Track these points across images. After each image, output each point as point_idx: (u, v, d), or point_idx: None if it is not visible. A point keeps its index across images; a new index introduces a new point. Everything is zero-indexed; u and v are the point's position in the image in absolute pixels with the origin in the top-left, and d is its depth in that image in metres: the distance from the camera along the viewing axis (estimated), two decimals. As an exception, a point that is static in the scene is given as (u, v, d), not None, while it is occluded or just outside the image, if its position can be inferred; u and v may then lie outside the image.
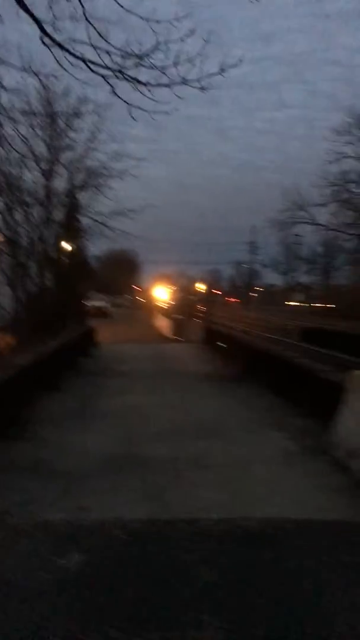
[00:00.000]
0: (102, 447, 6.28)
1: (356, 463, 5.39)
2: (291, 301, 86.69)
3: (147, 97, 7.08)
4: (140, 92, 7.15)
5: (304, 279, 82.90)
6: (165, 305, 40.70)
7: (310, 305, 71.25)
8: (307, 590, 3.39)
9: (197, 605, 3.18)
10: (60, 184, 20.99)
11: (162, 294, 49.99)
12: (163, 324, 33.54)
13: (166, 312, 37.18)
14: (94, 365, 13.82)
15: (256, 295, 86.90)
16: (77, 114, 18.57)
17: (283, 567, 3.67)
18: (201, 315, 34.87)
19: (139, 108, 7.40)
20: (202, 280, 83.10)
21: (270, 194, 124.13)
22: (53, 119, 18.58)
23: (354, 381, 6.17)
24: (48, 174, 20.08)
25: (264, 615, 3.10)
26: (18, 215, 19.22)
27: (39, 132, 19.19)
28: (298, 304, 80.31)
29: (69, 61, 6.77)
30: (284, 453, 6.19)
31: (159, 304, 48.02)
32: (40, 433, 6.79)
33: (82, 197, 22.19)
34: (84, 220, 22.57)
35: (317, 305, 72.89)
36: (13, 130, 9.30)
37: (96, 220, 21.92)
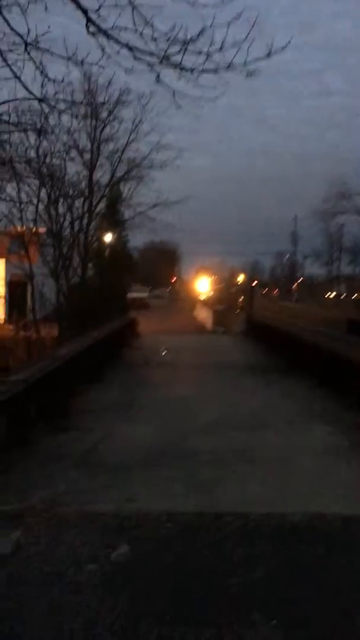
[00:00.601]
0: (147, 439, 6.25)
1: None
2: (330, 293, 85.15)
3: (193, 83, 6.93)
4: (186, 79, 7.01)
5: (347, 270, 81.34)
6: (206, 297, 40.58)
7: (350, 298, 69.77)
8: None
9: (248, 602, 3.10)
10: (102, 175, 21.10)
11: (203, 285, 49.87)
12: (204, 315, 33.45)
13: (207, 304, 37.05)
14: (136, 357, 13.85)
15: (297, 286, 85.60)
16: (119, 105, 18.53)
17: (335, 564, 3.56)
18: (242, 306, 34.58)
19: (185, 94, 7.27)
20: (243, 272, 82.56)
21: (313, 184, 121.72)
22: (96, 111, 18.62)
23: None
24: (90, 166, 20.18)
25: (316, 614, 3.00)
26: (61, 207, 19.40)
27: (82, 124, 19.28)
28: (335, 296, 78.86)
29: (114, 49, 6.69)
30: (332, 448, 6.02)
31: (199, 296, 47.91)
32: (85, 424, 6.82)
33: (124, 188, 22.27)
34: (126, 212, 22.67)
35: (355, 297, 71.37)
36: (57, 121, 9.29)
37: (138, 212, 21.98)
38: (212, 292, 44.42)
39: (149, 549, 3.72)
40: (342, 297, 75.89)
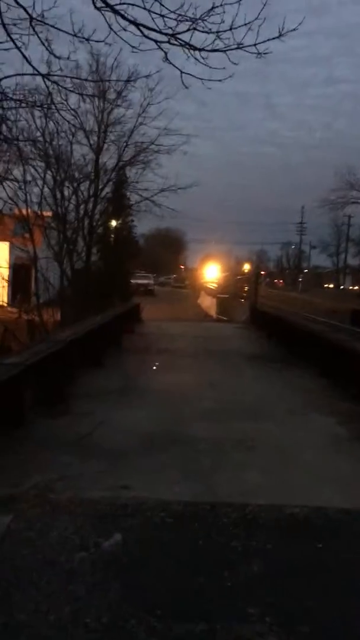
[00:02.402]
0: (146, 425, 6.16)
1: None
2: (329, 285, 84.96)
3: (202, 63, 6.74)
4: (195, 59, 6.82)
5: (354, 262, 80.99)
6: (211, 285, 40.39)
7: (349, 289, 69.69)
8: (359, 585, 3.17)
9: (243, 596, 3.01)
10: (109, 159, 20.89)
11: (208, 273, 49.59)
12: (208, 303, 33.31)
13: (212, 292, 36.90)
14: (138, 342, 13.75)
15: (303, 277, 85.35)
16: (127, 87, 18.25)
17: (334, 559, 3.46)
18: (247, 295, 34.43)
19: (192, 75, 7.08)
20: (249, 261, 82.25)
21: (320, 173, 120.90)
22: (103, 92, 18.36)
23: None
24: (97, 149, 19.96)
25: (312, 611, 2.90)
26: (66, 191, 19.22)
27: (89, 106, 19.06)
28: (334, 286, 78.67)
29: (120, 26, 6.50)
30: (333, 438, 5.92)
31: (204, 283, 47.72)
32: (84, 409, 6.72)
33: (131, 173, 22.06)
34: (132, 197, 22.47)
35: (354, 288, 71.37)
36: (63, 101, 9.09)
37: (144, 197, 21.78)
38: (217, 280, 44.14)
39: (142, 538, 3.63)
40: (341, 287, 75.69)
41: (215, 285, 39.35)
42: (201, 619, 2.78)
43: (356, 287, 75.74)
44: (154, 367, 5.35)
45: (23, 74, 6.94)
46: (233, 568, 3.28)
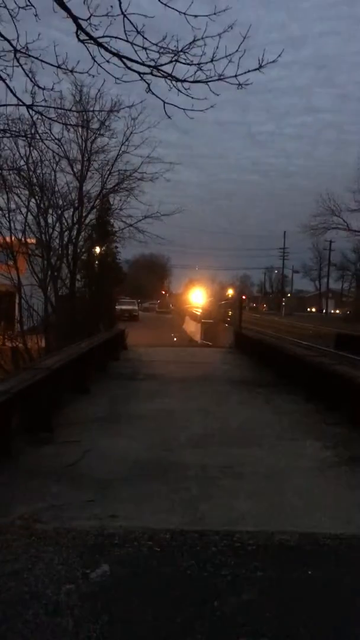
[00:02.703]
0: (133, 453, 6.10)
1: None
2: (311, 308, 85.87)
3: (184, 93, 6.90)
4: (177, 89, 6.97)
5: (335, 286, 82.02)
6: (196, 310, 40.46)
7: (327, 313, 70.46)
8: (356, 613, 3.14)
9: (233, 626, 2.97)
10: (92, 187, 21.05)
11: (192, 298, 49.66)
12: (192, 329, 33.36)
13: (196, 317, 36.99)
14: (123, 369, 13.69)
15: (286, 301, 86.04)
16: (110, 117, 18.51)
17: (325, 586, 3.43)
18: (231, 320, 34.57)
19: (175, 106, 7.22)
20: (232, 286, 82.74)
21: (301, 200, 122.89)
22: (86, 122, 18.59)
23: None
24: (81, 177, 20.12)
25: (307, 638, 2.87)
26: (50, 218, 19.29)
27: (73, 135, 19.27)
28: (316, 310, 79.51)
29: (104, 58, 6.64)
30: (322, 463, 5.91)
31: (189, 309, 47.81)
32: (71, 437, 6.65)
33: (114, 200, 22.21)
34: (116, 224, 22.59)
35: (336, 312, 72.31)
36: (47, 131, 9.20)
37: (128, 224, 21.91)
38: (202, 306, 44.23)
39: (130, 569, 3.57)
40: (324, 312, 76.47)
41: (201, 310, 39.43)
42: (192, 650, 2.74)
43: (338, 311, 76.64)
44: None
45: (7, 105, 7.02)
46: (223, 597, 3.24)
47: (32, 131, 8.10)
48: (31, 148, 16.64)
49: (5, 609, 3.07)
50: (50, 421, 6.95)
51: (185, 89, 7.35)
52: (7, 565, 3.57)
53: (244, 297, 39.84)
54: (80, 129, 18.79)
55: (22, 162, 17.03)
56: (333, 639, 2.91)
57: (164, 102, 7.29)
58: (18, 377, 6.98)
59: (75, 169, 19.96)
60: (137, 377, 12.40)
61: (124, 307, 41.29)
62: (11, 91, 6.02)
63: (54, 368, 7.72)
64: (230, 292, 73.97)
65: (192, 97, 7.13)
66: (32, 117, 6.80)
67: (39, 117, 7.72)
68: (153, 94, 7.25)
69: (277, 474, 5.51)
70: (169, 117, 7.35)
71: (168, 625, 2.96)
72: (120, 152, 20.52)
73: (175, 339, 28.91)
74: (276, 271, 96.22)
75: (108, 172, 20.94)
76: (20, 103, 6.20)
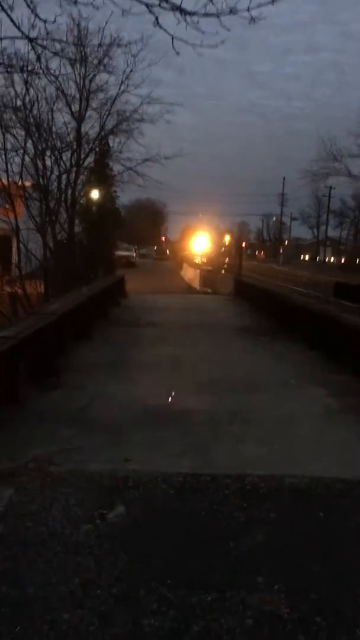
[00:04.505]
0: (140, 398, 6.15)
1: None
2: (304, 256, 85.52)
3: (193, 27, 6.56)
4: (186, 22, 6.62)
5: (334, 233, 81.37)
6: (195, 257, 40.18)
7: (324, 261, 70.32)
8: (362, 554, 3.24)
9: (250, 566, 3.05)
10: (91, 128, 20.44)
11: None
12: (191, 275, 33.22)
13: (194, 264, 36.78)
14: (125, 315, 13.67)
15: (283, 249, 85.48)
16: (109, 53, 17.78)
17: (336, 528, 3.52)
18: (229, 267, 34.39)
19: (184, 41, 6.88)
20: (230, 233, 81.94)
21: (302, 143, 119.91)
22: (85, 58, 17.86)
23: None
24: (79, 117, 19.50)
25: (319, 579, 2.96)
26: (48, 160, 18.81)
27: (71, 72, 18.53)
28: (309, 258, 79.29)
29: (110, -13, 6.27)
30: (326, 410, 5.98)
31: (187, 256, 47.47)
32: (76, 382, 6.69)
33: (113, 142, 21.64)
34: (115, 167, 22.09)
35: (331, 261, 72.15)
36: (44, 67, 8.77)
37: (128, 167, 21.44)
38: (200, 253, 43.90)
39: (146, 510, 3.65)
40: (317, 259, 76.18)
41: (200, 257, 39.19)
42: (211, 588, 2.82)
43: (332, 259, 76.31)
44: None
45: (6, 37, 6.67)
46: (238, 538, 3.32)
47: (33, 66, 7.72)
48: (28, 85, 16.06)
49: (25, 548, 3.13)
50: (56, 367, 6.97)
51: (195, 23, 6.99)
52: (23, 506, 3.63)
53: (244, 244, 39.47)
54: (78, 65, 18.06)
55: (18, 101, 16.46)
56: (346, 578, 2.99)
57: (172, 37, 6.94)
58: (23, 322, 6.94)
59: (73, 109, 19.33)
60: (138, 323, 12.40)
61: (121, 253, 40.89)
62: (13, 23, 5.71)
63: (58, 314, 7.68)
64: (227, 238, 73.41)
65: (203, 32, 6.79)
66: (34, 50, 6.46)
67: (39, 51, 7.37)
68: (161, 27, 6.89)
69: (284, 420, 5.58)
70: (178, 53, 7.02)
71: (188, 565, 3.04)
72: (120, 91, 19.85)
73: (173, 286, 28.81)
74: (274, 218, 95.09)
75: (107, 112, 20.32)
76: (24, 36, 5.88)
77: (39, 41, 7.19)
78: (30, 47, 7.28)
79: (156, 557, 3.10)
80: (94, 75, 19.36)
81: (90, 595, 2.75)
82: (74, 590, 2.78)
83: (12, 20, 5.85)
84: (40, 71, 7.86)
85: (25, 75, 14.42)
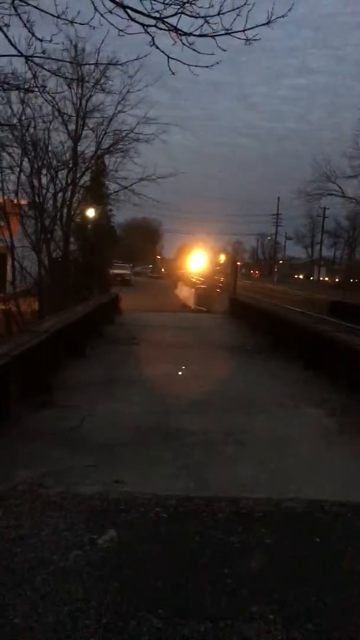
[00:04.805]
0: (132, 417, 6.05)
1: None
2: (299, 275, 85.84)
3: (189, 47, 6.59)
4: (182, 43, 6.66)
5: (328, 253, 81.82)
6: (192, 276, 40.14)
7: (319, 280, 70.58)
8: (362, 581, 3.13)
9: (245, 593, 2.94)
10: (87, 147, 20.56)
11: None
12: (185, 294, 33.22)
13: (189, 282, 36.80)
14: (119, 333, 13.59)
15: (278, 268, 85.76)
16: (106, 74, 17.92)
17: (334, 554, 3.41)
18: (224, 286, 34.44)
19: (179, 61, 6.91)
20: (225, 252, 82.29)
21: (295, 164, 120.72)
22: (82, 79, 17.99)
23: None
24: (75, 137, 19.62)
25: (316, 607, 2.85)
26: (43, 178, 18.86)
27: (67, 93, 18.68)
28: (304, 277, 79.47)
29: (107, 8, 6.29)
30: (323, 431, 5.89)
31: (183, 274, 47.49)
32: (70, 401, 6.57)
33: (109, 161, 21.77)
34: (111, 186, 22.19)
35: (325, 279, 72.40)
36: (42, 86, 8.79)
37: (123, 186, 21.52)
38: (196, 271, 43.83)
39: (138, 535, 3.53)
40: (311, 278, 76.50)
41: (195, 276, 39.15)
42: (205, 618, 2.71)
43: (326, 279, 76.62)
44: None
45: (3, 55, 6.66)
46: (232, 564, 3.22)
47: (29, 84, 7.73)
48: (24, 104, 16.15)
49: (12, 575, 3.01)
50: (49, 385, 6.86)
51: (190, 44, 7.05)
52: (12, 531, 3.51)
53: (238, 262, 39.52)
54: (75, 86, 18.21)
55: (14, 120, 16.53)
56: (345, 606, 2.88)
57: (168, 57, 6.97)
58: (16, 340, 6.85)
59: (69, 128, 19.45)
60: (132, 341, 12.31)
61: (116, 271, 40.90)
62: (9, 41, 5.71)
63: (51, 332, 7.60)
64: (222, 257, 73.67)
65: (198, 52, 6.83)
66: (30, 68, 6.46)
67: (35, 70, 7.38)
68: (157, 47, 6.92)
69: (280, 441, 5.48)
70: (173, 73, 7.04)
71: (179, 592, 2.92)
72: (117, 111, 20.01)
73: (167, 305, 28.76)
74: (269, 237, 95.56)
75: (103, 131, 20.46)
76: (19, 54, 5.88)
77: (36, 60, 7.21)
78: (26, 66, 7.29)
79: (147, 584, 2.99)
80: (91, 96, 19.55)
81: (79, 626, 2.63)
82: (62, 620, 2.67)
83: (7, 37, 5.85)
84: (37, 89, 7.85)
85: (21, 93, 14.50)
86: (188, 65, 7.23)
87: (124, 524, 3.65)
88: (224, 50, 7.04)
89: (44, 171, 18.77)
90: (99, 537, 3.46)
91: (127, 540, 3.45)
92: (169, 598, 2.88)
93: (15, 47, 5.82)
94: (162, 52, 7.07)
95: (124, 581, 3.00)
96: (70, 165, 19.72)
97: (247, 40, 7.05)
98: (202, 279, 40.27)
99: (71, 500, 3.94)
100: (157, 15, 6.71)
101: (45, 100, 11.15)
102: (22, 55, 6.08)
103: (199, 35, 6.87)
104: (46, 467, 4.51)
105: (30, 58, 6.23)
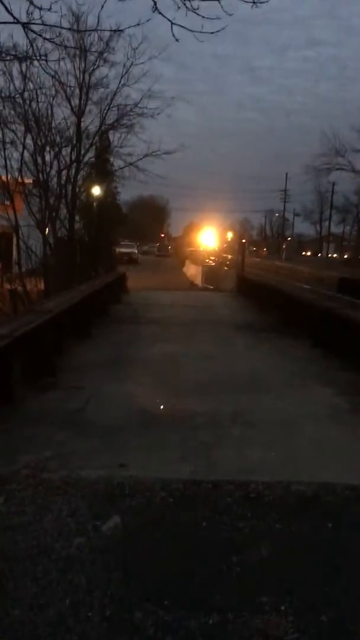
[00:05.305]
0: (139, 399, 5.92)
1: None
2: (306, 252, 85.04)
3: (194, 12, 6.32)
4: (186, 8, 6.37)
5: (336, 229, 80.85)
6: (199, 254, 39.70)
7: (327, 257, 69.89)
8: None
9: (254, 583, 2.82)
10: (91, 123, 20.19)
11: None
12: (193, 272, 32.97)
13: (196, 260, 36.48)
14: (125, 312, 13.46)
15: (286, 245, 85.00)
16: (109, 46, 17.50)
17: (347, 539, 3.28)
18: (232, 264, 34.13)
19: (183, 27, 6.63)
20: (232, 229, 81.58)
21: (303, 139, 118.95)
22: (85, 52, 17.58)
23: None
24: (79, 112, 19.25)
25: (330, 597, 2.73)
26: (47, 156, 18.57)
27: (70, 66, 18.28)
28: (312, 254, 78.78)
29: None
30: (334, 410, 5.74)
31: (190, 252, 47.06)
32: (75, 382, 6.45)
33: (114, 137, 21.40)
34: (115, 163, 21.86)
35: (334, 256, 71.71)
36: (43, 60, 8.50)
37: (128, 163, 21.19)
38: (204, 249, 43.35)
39: (143, 521, 3.42)
40: (319, 255, 75.73)
41: (204, 254, 38.73)
42: (212, 610, 2.59)
43: (335, 255, 75.79)
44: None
45: (2, 22, 6.38)
46: (241, 551, 3.10)
47: (29, 55, 7.47)
48: (27, 78, 15.82)
49: (13, 565, 2.91)
50: (53, 366, 6.74)
51: (195, 9, 6.75)
52: (14, 517, 3.41)
53: (244, 240, 39.03)
54: (78, 60, 17.80)
55: (17, 96, 16.21)
56: (355, 597, 2.76)
57: (172, 23, 6.69)
58: (19, 320, 6.72)
59: (72, 103, 19.08)
60: (139, 321, 12.18)
61: (123, 250, 40.66)
62: (5, 8, 5.46)
63: (56, 312, 7.46)
64: (230, 235, 73.06)
65: (203, 17, 6.54)
66: (27, 36, 6.19)
67: (35, 40, 7.12)
68: (160, 13, 6.64)
69: (289, 422, 5.34)
70: (177, 40, 6.77)
71: (187, 583, 2.81)
72: (120, 84, 19.59)
73: (175, 283, 28.57)
74: (277, 214, 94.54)
75: (107, 106, 20.05)
76: (16, 21, 5.63)
77: (34, 28, 6.93)
78: (26, 36, 7.03)
79: (153, 574, 2.88)
80: (94, 69, 19.12)
81: (81, 618, 2.53)
82: (63, 613, 2.56)
83: (4, 5, 5.61)
84: (36, 59, 7.58)
85: (23, 67, 14.19)
86: (192, 31, 6.95)
87: (128, 509, 3.54)
88: (230, 15, 6.74)
89: (48, 148, 18.49)
90: (102, 524, 3.35)
91: (131, 526, 3.34)
92: (175, 589, 2.76)
93: (11, 14, 5.57)
94: (165, 17, 6.78)
95: (129, 571, 2.89)
96: (74, 142, 19.40)
97: (253, 2, 6.74)
98: (210, 257, 39.94)
99: (75, 485, 3.83)
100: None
101: (47, 72, 10.84)
102: (18, 22, 5.83)
103: (204, -1, 6.56)
104: (50, 450, 4.40)
105: (27, 25, 5.98)
